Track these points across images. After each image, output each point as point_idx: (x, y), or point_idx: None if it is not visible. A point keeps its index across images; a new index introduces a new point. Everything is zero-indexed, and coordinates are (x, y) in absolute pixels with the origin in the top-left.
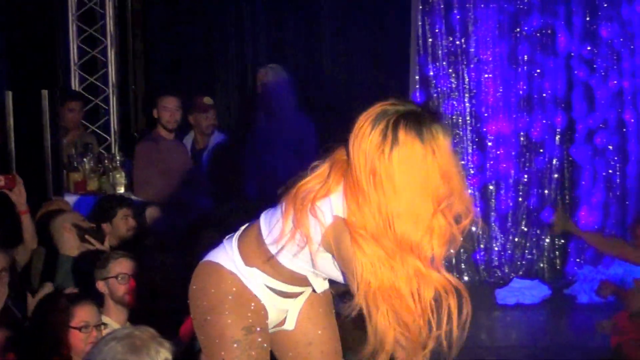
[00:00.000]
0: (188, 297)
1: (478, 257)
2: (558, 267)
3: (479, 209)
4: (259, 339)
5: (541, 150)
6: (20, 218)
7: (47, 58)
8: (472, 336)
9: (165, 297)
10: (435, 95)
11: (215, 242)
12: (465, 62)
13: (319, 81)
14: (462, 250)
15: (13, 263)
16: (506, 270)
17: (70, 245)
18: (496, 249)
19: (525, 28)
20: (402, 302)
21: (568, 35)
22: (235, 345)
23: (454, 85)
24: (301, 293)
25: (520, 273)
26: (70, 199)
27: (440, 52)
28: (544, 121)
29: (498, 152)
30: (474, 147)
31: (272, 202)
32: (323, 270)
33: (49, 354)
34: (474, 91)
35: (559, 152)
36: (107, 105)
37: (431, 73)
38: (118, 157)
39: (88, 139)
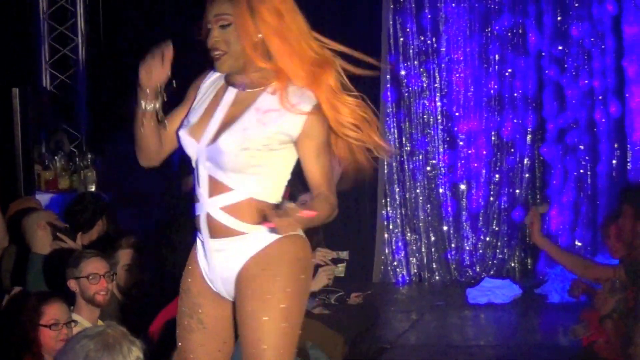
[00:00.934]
0: (284, 266)
1: (449, 256)
2: (529, 267)
3: (450, 209)
4: None
5: (512, 150)
6: None
7: (18, 56)
8: (444, 335)
9: (135, 295)
10: (406, 94)
11: None
12: (436, 62)
13: None
14: (433, 250)
15: None
16: (477, 270)
17: (43, 243)
18: (467, 248)
19: (496, 27)
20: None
21: (538, 35)
22: None
23: (425, 85)
24: None
25: (492, 272)
26: (42, 197)
27: (411, 51)
28: (515, 120)
29: (469, 152)
30: (445, 146)
31: None
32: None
33: (20, 352)
34: (445, 90)
35: (530, 152)
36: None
37: (402, 72)
38: (89, 155)
39: (59, 137)
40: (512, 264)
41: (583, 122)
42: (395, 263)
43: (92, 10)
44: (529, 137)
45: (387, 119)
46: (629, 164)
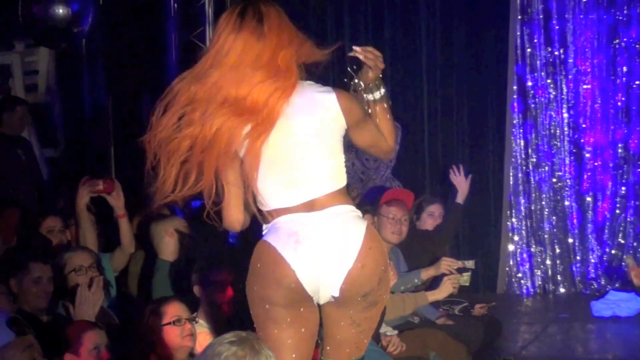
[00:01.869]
0: (384, 259)
1: (574, 269)
2: None
3: (575, 221)
4: None
5: (639, 162)
6: (118, 222)
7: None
8: (567, 348)
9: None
10: (533, 105)
11: None
12: (563, 73)
13: (416, 89)
14: (558, 262)
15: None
16: (602, 282)
17: (170, 250)
18: (592, 260)
19: (624, 39)
20: None
21: None
22: None
23: (552, 96)
24: None
25: (617, 285)
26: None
27: (538, 62)
28: None
29: (596, 164)
30: (572, 158)
31: None
32: None
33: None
34: (572, 102)
35: None
36: None
37: (529, 83)
38: None
39: None
40: None
41: None
42: (519, 275)
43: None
44: None
45: (514, 129)
46: None
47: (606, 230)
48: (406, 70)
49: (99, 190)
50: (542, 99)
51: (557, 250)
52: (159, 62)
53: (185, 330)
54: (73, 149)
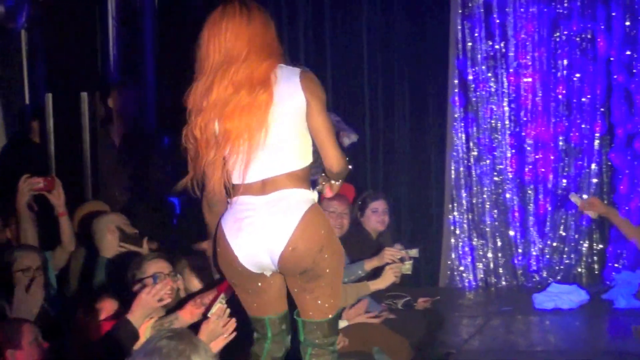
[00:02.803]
0: (320, 240)
1: (516, 262)
2: (596, 272)
3: (517, 214)
4: None
5: (580, 155)
6: (58, 220)
7: (87, 60)
8: (510, 340)
9: None
10: (474, 99)
11: None
12: (504, 66)
13: (357, 83)
14: (500, 255)
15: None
16: (544, 275)
17: (110, 247)
18: (534, 253)
19: (565, 32)
20: None
21: (608, 40)
22: None
23: (493, 89)
24: None
25: (559, 278)
26: None
27: (479, 56)
28: (583, 126)
29: (537, 157)
30: (513, 151)
31: None
32: None
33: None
34: (513, 95)
35: (598, 157)
36: None
37: (470, 77)
38: None
39: None
40: (579, 269)
41: None
42: (461, 268)
43: (161, 14)
44: (597, 142)
45: (455, 123)
46: None
47: (547, 223)
48: (346, 64)
49: (39, 189)
50: (483, 93)
51: (499, 244)
52: (98, 59)
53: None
54: (12, 146)
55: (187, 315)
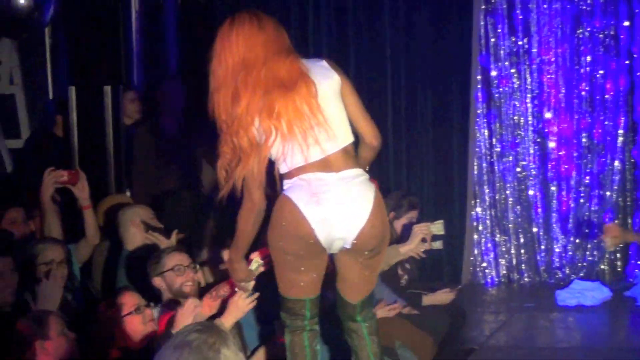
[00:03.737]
0: (386, 218)
1: (539, 258)
2: (619, 269)
3: (540, 210)
4: None
5: (603, 152)
6: (82, 213)
7: (110, 54)
8: (532, 337)
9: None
10: (496, 95)
11: None
12: (527, 63)
13: (379, 79)
14: (522, 251)
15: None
16: (567, 272)
17: (134, 241)
18: (557, 250)
19: (588, 29)
20: None
21: (630, 36)
22: None
23: (516, 86)
24: None
25: (581, 274)
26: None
27: (502, 52)
28: (606, 122)
29: (560, 153)
30: (536, 147)
31: None
32: None
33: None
34: (536, 91)
35: (621, 154)
36: None
37: (493, 73)
38: None
39: None
40: (602, 266)
41: None
42: (484, 264)
43: (184, 8)
44: (620, 139)
45: (478, 119)
46: None
47: (570, 220)
48: (369, 61)
49: (63, 182)
50: (506, 89)
51: (522, 240)
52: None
53: (147, 316)
54: (36, 139)
55: (205, 310)
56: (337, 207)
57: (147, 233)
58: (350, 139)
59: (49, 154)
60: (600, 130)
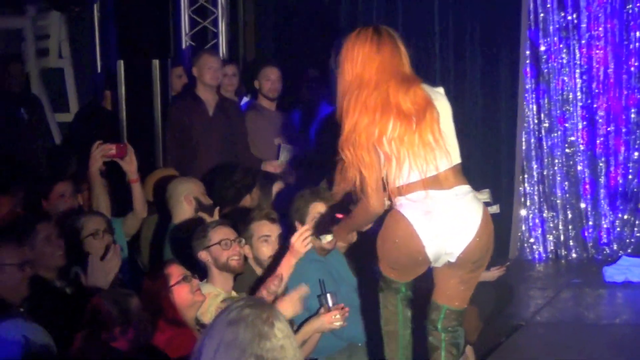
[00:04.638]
0: (492, 234)
1: (586, 234)
2: None
3: (588, 186)
4: None
5: None
6: (130, 187)
7: (159, 28)
8: (579, 313)
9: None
10: (545, 70)
11: None
12: (576, 38)
13: (428, 54)
14: (570, 227)
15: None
16: (615, 248)
17: (184, 215)
18: (605, 226)
19: (638, 4)
20: None
21: None
22: None
23: (565, 61)
24: None
25: (629, 250)
26: None
27: (551, 27)
28: None
29: (608, 129)
30: (584, 123)
31: None
32: None
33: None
34: (585, 67)
35: None
36: None
37: (542, 48)
38: None
39: None
40: None
41: None
42: (532, 240)
43: None
44: None
45: (527, 94)
46: None
47: (619, 196)
48: (419, 34)
49: (111, 155)
50: (555, 64)
51: (570, 216)
52: (170, 27)
53: (194, 285)
54: (85, 113)
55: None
56: (449, 223)
57: (198, 213)
58: (459, 159)
59: (98, 127)
60: None
